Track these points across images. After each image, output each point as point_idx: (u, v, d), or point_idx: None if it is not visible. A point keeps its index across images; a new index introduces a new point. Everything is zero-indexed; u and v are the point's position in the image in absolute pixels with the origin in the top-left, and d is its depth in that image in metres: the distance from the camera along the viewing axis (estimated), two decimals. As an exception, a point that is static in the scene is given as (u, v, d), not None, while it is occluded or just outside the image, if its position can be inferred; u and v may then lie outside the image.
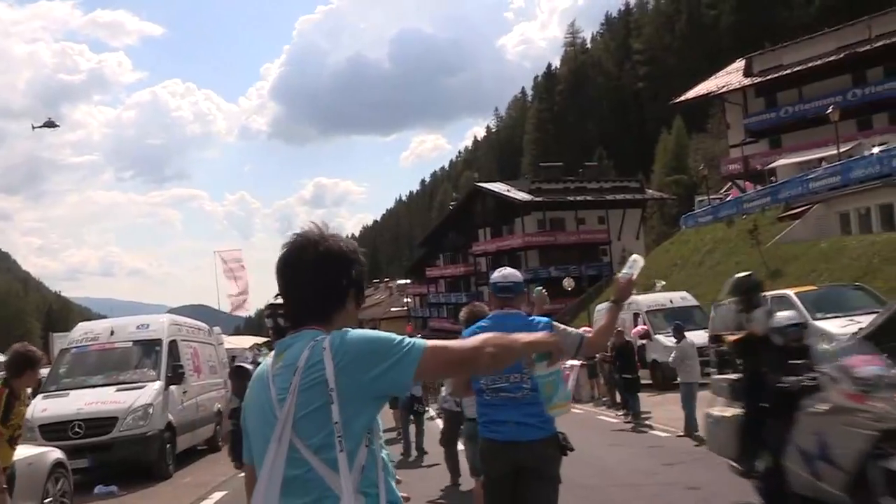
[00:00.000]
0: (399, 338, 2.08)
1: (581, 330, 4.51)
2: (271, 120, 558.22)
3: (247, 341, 25.26)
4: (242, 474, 2.23)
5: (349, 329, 2.09)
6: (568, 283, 40.14)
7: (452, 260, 70.69)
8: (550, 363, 6.88)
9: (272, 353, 2.25)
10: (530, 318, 4.23)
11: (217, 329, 19.48)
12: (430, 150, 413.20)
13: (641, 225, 61.54)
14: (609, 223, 58.97)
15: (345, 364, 1.99)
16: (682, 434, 12.21)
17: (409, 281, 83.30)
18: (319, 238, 2.18)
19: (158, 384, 12.76)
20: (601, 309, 23.88)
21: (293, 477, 1.97)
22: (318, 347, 2.02)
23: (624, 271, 4.16)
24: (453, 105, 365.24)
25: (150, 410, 12.12)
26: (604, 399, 18.99)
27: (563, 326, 4.27)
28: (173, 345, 14.03)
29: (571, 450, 4.18)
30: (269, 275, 2.31)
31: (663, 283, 24.74)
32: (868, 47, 39.39)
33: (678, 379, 12.71)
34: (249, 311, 49.67)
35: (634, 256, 4.25)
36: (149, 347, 13.53)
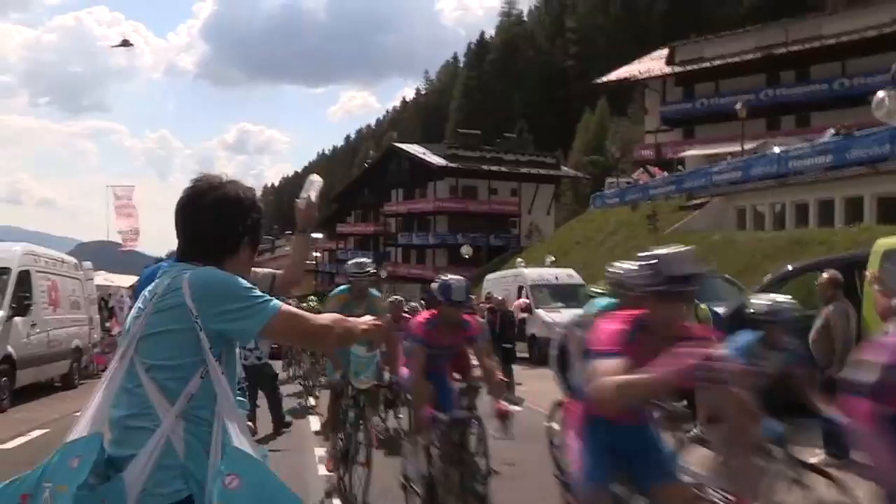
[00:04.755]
0: (257, 292, 2.19)
1: (270, 270, 3.95)
2: (199, 59, 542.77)
3: (127, 280, 23.95)
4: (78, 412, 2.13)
5: (213, 268, 2.19)
6: (465, 251, 39.57)
7: (363, 218, 70.06)
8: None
9: None
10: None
11: (88, 264, 18.58)
12: (359, 106, 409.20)
13: (553, 201, 61.94)
14: (521, 196, 59.18)
15: (198, 297, 2.10)
16: None
17: (321, 235, 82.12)
18: (219, 183, 2.31)
19: (0, 314, 12.10)
20: (490, 279, 23.76)
21: (125, 390, 2.10)
22: (180, 278, 2.14)
23: (301, 195, 3.57)
24: (385, 64, 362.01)
25: (-14, 341, 11.46)
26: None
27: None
28: (25, 275, 13.36)
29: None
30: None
31: (552, 258, 24.91)
32: (783, 50, 40.32)
33: None
34: (142, 249, 48.09)
35: (312, 176, 3.71)
36: (-5, 276, 12.82)
